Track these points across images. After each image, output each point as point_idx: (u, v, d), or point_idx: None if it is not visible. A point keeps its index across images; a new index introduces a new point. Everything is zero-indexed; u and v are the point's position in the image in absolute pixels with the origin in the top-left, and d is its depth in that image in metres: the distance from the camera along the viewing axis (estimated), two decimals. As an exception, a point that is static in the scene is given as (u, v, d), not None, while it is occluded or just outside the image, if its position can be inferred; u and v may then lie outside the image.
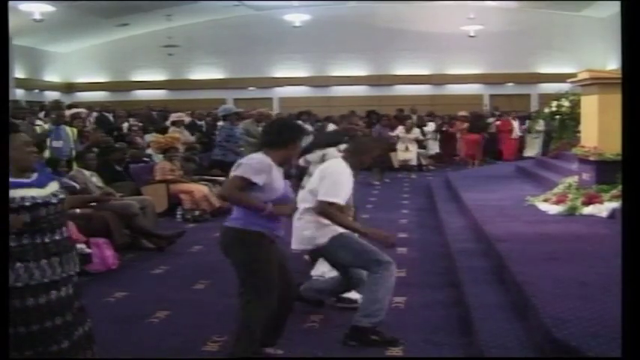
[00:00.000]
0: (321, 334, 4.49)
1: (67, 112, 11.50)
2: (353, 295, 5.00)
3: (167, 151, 9.87)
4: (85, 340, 3.35)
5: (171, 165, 9.75)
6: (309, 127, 14.47)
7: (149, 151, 11.19)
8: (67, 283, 3.29)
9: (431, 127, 17.27)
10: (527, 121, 17.50)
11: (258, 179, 3.60)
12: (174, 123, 11.76)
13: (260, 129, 11.59)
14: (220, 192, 3.71)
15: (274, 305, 3.74)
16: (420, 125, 17.12)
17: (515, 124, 17.52)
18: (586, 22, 21.09)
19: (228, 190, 3.71)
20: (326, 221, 4.39)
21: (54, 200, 3.25)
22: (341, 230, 4.43)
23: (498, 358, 3.54)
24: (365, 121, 16.95)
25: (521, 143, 17.52)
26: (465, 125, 16.87)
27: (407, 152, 15.69)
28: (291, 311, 4.04)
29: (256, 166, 3.64)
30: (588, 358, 3.09)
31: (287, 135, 3.82)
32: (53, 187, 3.31)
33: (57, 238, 3.24)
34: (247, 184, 3.61)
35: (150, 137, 12.10)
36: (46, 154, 8.96)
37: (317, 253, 4.80)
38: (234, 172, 3.68)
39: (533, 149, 16.77)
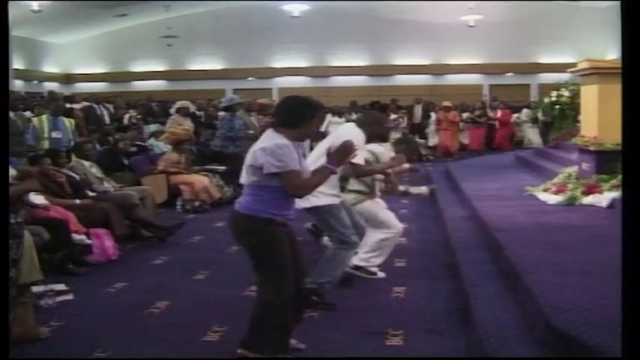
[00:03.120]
0: (321, 326, 4.50)
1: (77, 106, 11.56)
2: (373, 267, 5.56)
3: (180, 143, 9.91)
4: None
5: (179, 157, 9.76)
6: None
7: (150, 141, 11.17)
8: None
9: (433, 117, 17.24)
10: (524, 110, 17.52)
11: (297, 166, 3.53)
12: (178, 110, 11.73)
13: (252, 119, 11.61)
14: (295, 193, 3.61)
15: (292, 291, 3.64)
16: (424, 116, 17.10)
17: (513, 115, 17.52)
18: (586, 11, 21.01)
19: (297, 188, 3.58)
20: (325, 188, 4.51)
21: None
22: (334, 202, 4.80)
23: (499, 359, 3.52)
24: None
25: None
26: (451, 116, 16.55)
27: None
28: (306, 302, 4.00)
29: (288, 153, 3.50)
30: (587, 347, 3.10)
31: (300, 114, 3.67)
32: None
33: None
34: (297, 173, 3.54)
35: (153, 128, 12.09)
36: (46, 144, 8.97)
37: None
38: (280, 169, 3.49)
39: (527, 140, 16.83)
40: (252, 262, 3.71)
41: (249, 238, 3.65)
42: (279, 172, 3.49)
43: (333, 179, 4.64)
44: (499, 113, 17.48)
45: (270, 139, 3.61)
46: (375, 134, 5.21)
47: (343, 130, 5.14)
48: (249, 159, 3.64)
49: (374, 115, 5.42)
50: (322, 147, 4.98)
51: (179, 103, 12.09)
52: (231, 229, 3.74)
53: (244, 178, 3.68)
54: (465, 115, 17.44)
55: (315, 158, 4.76)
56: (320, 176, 3.71)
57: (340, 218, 4.83)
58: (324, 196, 4.71)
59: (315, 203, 4.75)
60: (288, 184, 3.52)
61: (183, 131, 10.15)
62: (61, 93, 15.53)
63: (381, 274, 5.64)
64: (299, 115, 3.66)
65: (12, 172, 3.49)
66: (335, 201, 4.85)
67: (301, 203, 4.62)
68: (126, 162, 9.57)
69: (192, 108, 13.47)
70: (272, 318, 3.61)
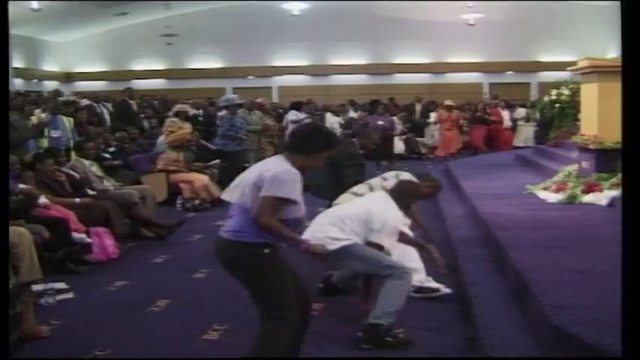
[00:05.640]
0: (322, 323, 4.50)
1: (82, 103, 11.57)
2: (433, 283, 5.12)
3: (183, 144, 9.99)
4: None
5: (177, 155, 9.81)
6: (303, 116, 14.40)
7: (160, 139, 11.09)
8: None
9: (433, 116, 17.20)
10: (519, 109, 17.48)
11: (295, 196, 3.27)
12: (177, 114, 11.73)
13: (254, 117, 11.65)
14: (257, 216, 3.25)
15: (295, 322, 3.38)
16: (424, 115, 17.08)
17: (505, 113, 17.41)
18: (586, 9, 20.98)
19: (265, 216, 3.25)
20: (338, 233, 4.34)
21: None
22: (348, 242, 4.35)
23: (499, 358, 3.52)
24: (370, 111, 16.90)
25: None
26: (454, 115, 16.29)
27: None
28: (309, 324, 3.65)
29: (289, 180, 3.26)
30: (587, 345, 3.10)
31: (315, 142, 3.40)
32: None
33: None
34: (282, 204, 3.26)
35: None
36: (45, 143, 8.95)
37: None
38: (266, 191, 3.24)
39: (521, 139, 16.77)
40: (250, 293, 3.47)
41: (243, 269, 3.37)
42: (267, 193, 3.24)
43: (351, 225, 4.40)
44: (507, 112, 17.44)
45: (278, 164, 3.38)
46: (406, 204, 4.81)
47: (376, 201, 4.68)
48: (252, 176, 3.35)
49: (409, 187, 4.98)
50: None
51: (178, 106, 12.10)
52: (218, 259, 3.45)
53: (236, 196, 3.38)
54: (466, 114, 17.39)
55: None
56: (288, 235, 3.35)
57: (369, 253, 4.40)
58: (339, 240, 4.36)
59: (333, 246, 4.29)
60: (262, 207, 3.24)
61: (189, 135, 10.25)
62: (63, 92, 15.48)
63: (446, 290, 5.15)
64: (310, 144, 3.40)
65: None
66: (353, 241, 4.41)
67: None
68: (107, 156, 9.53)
69: (192, 112, 13.46)
70: (276, 346, 3.35)
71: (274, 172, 3.28)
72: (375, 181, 5.85)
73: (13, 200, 5.59)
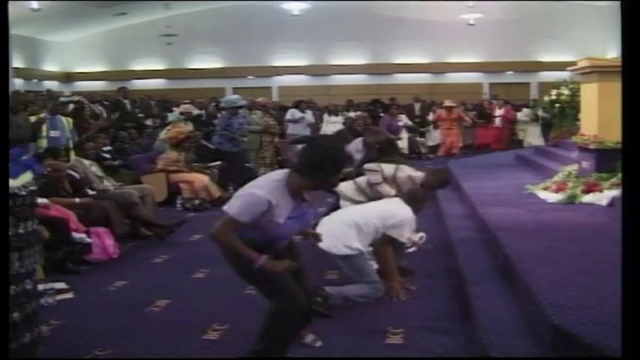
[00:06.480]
0: (322, 323, 4.50)
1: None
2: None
3: (181, 143, 9.98)
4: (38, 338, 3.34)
5: (178, 156, 9.81)
6: (310, 117, 14.45)
7: (163, 132, 11.11)
8: (24, 278, 3.12)
9: (431, 117, 17.19)
10: (524, 110, 17.47)
11: (246, 219, 3.27)
12: (181, 114, 11.80)
13: (254, 117, 11.64)
14: (211, 232, 3.39)
15: (300, 304, 3.49)
16: (424, 114, 17.07)
17: (498, 112, 17.36)
18: (586, 9, 21.00)
19: (219, 233, 3.37)
20: (354, 241, 4.89)
21: (22, 192, 3.05)
22: (356, 252, 4.89)
23: (499, 358, 3.52)
24: (369, 111, 16.89)
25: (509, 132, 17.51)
26: (455, 114, 16.25)
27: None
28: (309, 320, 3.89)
29: (249, 205, 3.27)
30: (588, 345, 3.10)
31: (321, 169, 3.34)
32: (25, 178, 3.10)
33: (20, 231, 3.09)
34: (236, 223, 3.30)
35: (172, 116, 12.12)
36: (44, 143, 8.95)
37: None
38: (228, 209, 3.34)
39: (528, 139, 16.72)
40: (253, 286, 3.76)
41: (236, 263, 3.52)
42: (228, 211, 3.32)
43: (366, 229, 4.95)
44: (502, 111, 17.43)
45: (255, 184, 3.42)
46: (418, 208, 5.36)
47: (394, 208, 5.20)
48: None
49: (419, 193, 5.54)
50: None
51: (183, 107, 12.13)
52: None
53: None
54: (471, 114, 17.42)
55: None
56: (244, 251, 3.35)
57: (366, 267, 4.99)
58: (350, 249, 4.89)
59: (343, 252, 4.89)
60: (220, 224, 3.35)
61: (182, 134, 10.25)
62: (60, 92, 15.51)
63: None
64: (317, 169, 3.34)
65: (28, 177, 3.19)
66: (356, 251, 4.92)
67: (333, 249, 4.85)
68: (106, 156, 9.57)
69: (196, 112, 13.52)
70: (280, 328, 3.51)
71: (244, 194, 3.37)
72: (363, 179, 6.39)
73: (45, 177, 5.59)
